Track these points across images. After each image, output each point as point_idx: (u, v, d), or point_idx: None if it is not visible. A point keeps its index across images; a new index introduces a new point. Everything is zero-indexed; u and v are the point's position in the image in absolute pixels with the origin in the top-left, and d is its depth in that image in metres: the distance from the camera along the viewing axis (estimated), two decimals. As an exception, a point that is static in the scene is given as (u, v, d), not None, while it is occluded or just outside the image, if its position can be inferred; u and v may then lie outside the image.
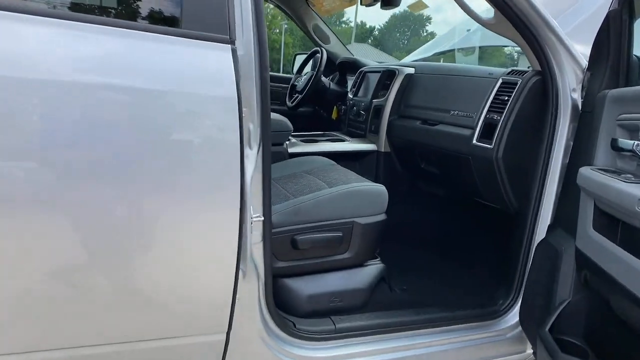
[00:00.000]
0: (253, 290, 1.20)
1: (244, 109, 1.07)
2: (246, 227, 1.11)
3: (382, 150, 2.15)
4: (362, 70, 2.45)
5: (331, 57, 2.90)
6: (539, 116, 1.49)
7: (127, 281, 0.95)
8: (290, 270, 1.44)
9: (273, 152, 1.99)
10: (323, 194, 1.46)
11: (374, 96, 2.22)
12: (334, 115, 2.61)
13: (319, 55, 2.49)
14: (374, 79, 2.29)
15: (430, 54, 2.85)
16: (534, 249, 1.48)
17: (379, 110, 2.15)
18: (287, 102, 2.67)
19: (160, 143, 0.93)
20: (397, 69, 2.14)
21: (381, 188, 1.54)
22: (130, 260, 0.94)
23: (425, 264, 1.94)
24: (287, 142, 2.06)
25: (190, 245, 1.00)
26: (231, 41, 1.01)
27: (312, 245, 1.42)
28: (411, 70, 2.10)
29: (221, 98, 0.97)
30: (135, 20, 0.97)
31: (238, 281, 1.07)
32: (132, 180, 0.90)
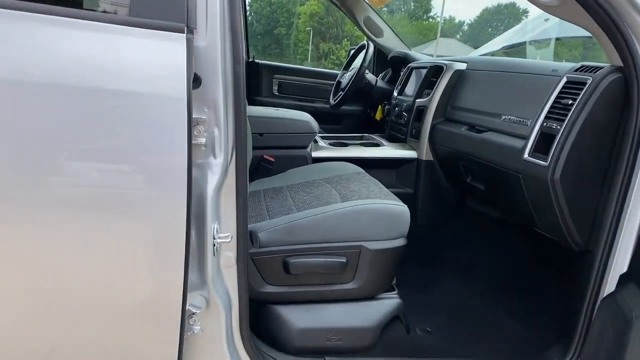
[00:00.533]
0: (219, 321, 1.02)
1: (205, 110, 0.89)
2: (206, 249, 0.94)
3: (423, 158, 1.85)
4: (410, 66, 2.15)
5: (384, 52, 2.63)
6: (615, 127, 1.12)
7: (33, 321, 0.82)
8: (282, 297, 1.24)
9: (295, 156, 1.82)
10: (327, 210, 1.23)
11: (418, 95, 1.92)
12: (377, 116, 2.35)
13: (371, 50, 2.24)
14: (420, 75, 1.99)
15: (499, 47, 2.45)
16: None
17: (421, 111, 1.86)
18: (330, 100, 2.46)
19: (87, 148, 0.78)
20: (445, 64, 1.82)
21: (401, 208, 1.27)
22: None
23: (461, 302, 1.62)
24: (312, 144, 1.86)
25: (119, 272, 0.85)
26: (188, 30, 0.83)
27: (307, 270, 1.20)
28: (462, 66, 1.77)
29: (162, 97, 0.80)
30: (70, 6, 0.82)
31: (186, 312, 0.90)
32: (39, 189, 0.76)
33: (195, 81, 0.87)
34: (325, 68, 2.51)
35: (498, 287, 1.66)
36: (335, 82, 2.52)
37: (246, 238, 1.02)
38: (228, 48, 0.90)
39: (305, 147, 1.79)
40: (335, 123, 2.82)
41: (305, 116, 1.81)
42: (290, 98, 2.73)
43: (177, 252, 0.85)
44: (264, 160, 1.71)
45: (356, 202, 1.27)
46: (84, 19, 0.78)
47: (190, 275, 0.94)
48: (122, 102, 0.79)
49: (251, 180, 1.69)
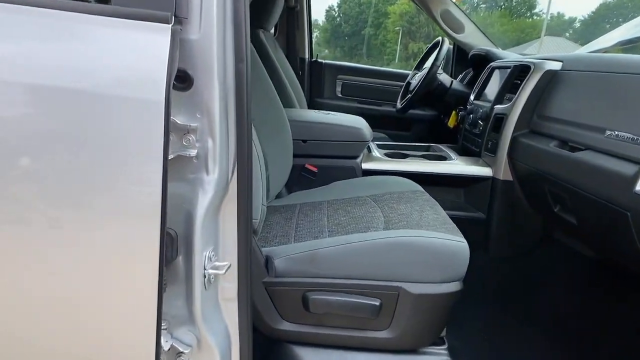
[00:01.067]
0: (213, 365, 0.86)
1: (197, 116, 0.73)
2: (193, 280, 0.77)
3: (500, 177, 1.53)
4: (491, 65, 1.82)
5: (465, 50, 2.31)
6: None
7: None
8: (300, 337, 1.04)
9: (342, 167, 1.61)
10: (361, 239, 1.01)
11: (497, 100, 1.60)
12: (450, 123, 2.04)
13: (446, 47, 1.97)
14: (502, 76, 1.66)
15: (612, 44, 1.99)
16: None
17: (500, 120, 1.54)
18: (397, 103, 2.21)
19: (45, 156, 0.65)
20: (533, 62, 1.48)
21: (459, 245, 1.01)
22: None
23: None
24: (365, 154, 1.63)
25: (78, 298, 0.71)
26: (176, 20, 0.68)
27: (330, 310, 1.00)
28: (555, 66, 1.42)
29: (137, 100, 0.65)
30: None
31: (160, 353, 0.74)
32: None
33: (185, 81, 0.71)
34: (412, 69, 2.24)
35: (585, 346, 1.29)
36: (404, 84, 2.26)
37: (249, 268, 0.84)
38: (229, 43, 0.73)
39: (355, 158, 1.57)
40: (404, 129, 2.56)
41: (358, 122, 1.59)
42: (353, 100, 2.53)
43: (147, 283, 0.69)
44: (305, 170, 1.53)
45: (400, 232, 1.03)
46: (45, 7, 0.65)
47: (177, 306, 0.80)
48: (87, 105, 0.65)
49: (290, 191, 1.51)
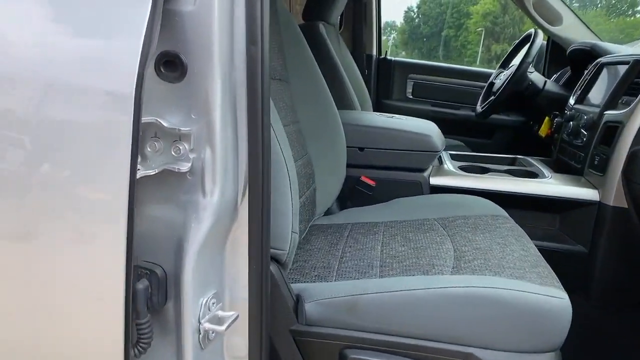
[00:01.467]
0: None
1: (192, 116, 0.54)
2: (182, 334, 0.59)
3: (610, 202, 1.19)
4: (600, 62, 1.46)
5: (562, 45, 1.94)
6: None
7: None
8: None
9: (405, 182, 1.36)
10: (421, 286, 0.77)
11: (609, 105, 1.26)
12: (542, 131, 1.70)
13: (539, 40, 1.65)
14: (615, 75, 1.31)
15: None
16: None
17: (613, 130, 1.20)
18: (477, 107, 1.90)
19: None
20: (666, 55, 1.13)
21: (557, 302, 0.74)
22: None
23: None
24: (435, 166, 1.37)
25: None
26: None
27: (374, 375, 0.76)
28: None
29: (94, 90, 0.47)
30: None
31: None
32: None
33: (176, 69, 0.53)
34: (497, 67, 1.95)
35: None
36: (486, 84, 1.95)
37: (261, 322, 0.64)
38: (239, 18, 0.53)
39: (422, 170, 1.32)
40: (485, 137, 2.24)
41: (428, 128, 1.34)
42: (426, 102, 2.25)
43: (117, 338, 0.52)
44: (361, 183, 1.30)
45: (477, 278, 0.78)
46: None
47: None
48: (31, 96, 0.48)
49: (342, 207, 1.30)
